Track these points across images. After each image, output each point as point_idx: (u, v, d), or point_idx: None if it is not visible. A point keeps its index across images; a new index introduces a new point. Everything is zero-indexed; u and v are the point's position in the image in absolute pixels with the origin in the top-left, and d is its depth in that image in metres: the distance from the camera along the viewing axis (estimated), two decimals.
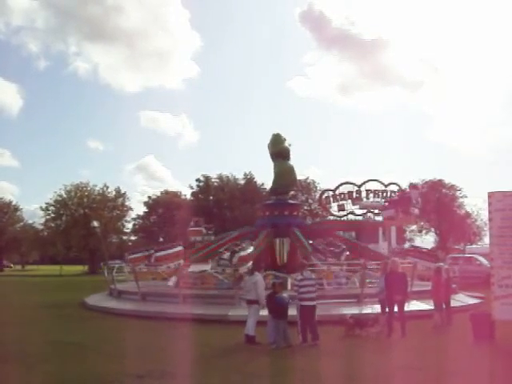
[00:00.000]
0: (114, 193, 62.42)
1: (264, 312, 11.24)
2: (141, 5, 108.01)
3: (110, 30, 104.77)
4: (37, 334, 12.62)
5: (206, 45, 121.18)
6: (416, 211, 24.87)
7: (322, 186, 60.50)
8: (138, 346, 10.85)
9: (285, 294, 11.21)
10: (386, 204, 23.53)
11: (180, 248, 20.26)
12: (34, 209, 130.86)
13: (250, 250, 18.62)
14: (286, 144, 23.16)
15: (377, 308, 13.33)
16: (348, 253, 19.74)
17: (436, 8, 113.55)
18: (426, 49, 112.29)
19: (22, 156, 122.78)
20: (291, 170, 22.80)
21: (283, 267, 18.99)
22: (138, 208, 71.26)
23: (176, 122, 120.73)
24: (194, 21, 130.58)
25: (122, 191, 63.37)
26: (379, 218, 28.08)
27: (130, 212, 65.05)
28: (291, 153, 23.22)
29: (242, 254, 17.95)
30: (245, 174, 64.16)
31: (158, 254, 19.55)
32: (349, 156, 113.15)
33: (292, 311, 11.25)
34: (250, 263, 17.80)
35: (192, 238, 25.86)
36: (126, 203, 63.41)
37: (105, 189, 61.84)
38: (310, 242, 21.09)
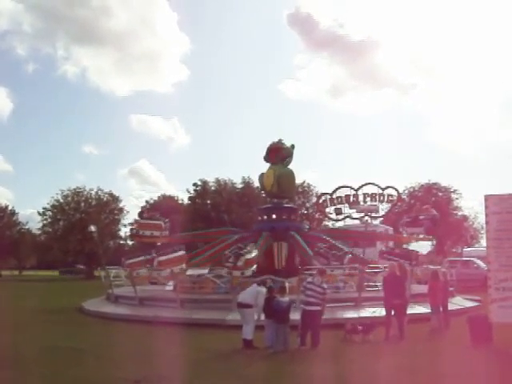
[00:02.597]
0: (107, 196, 62.29)
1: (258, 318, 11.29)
2: (129, 8, 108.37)
3: (99, 33, 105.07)
4: (34, 338, 12.57)
5: (195, 47, 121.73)
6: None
7: (317, 189, 60.66)
8: (135, 351, 10.84)
9: (285, 298, 11.18)
10: (408, 220, 23.54)
11: (183, 252, 20.05)
12: (29, 213, 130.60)
13: (255, 253, 18.54)
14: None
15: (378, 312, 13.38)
16: (351, 255, 19.71)
17: (426, 8, 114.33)
18: (419, 50, 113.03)
19: (15, 160, 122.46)
20: (282, 175, 22.75)
21: (281, 271, 18.98)
22: (133, 212, 71.20)
23: (167, 125, 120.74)
24: (182, 23, 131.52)
25: (116, 195, 63.37)
26: (376, 222, 28.19)
27: (127, 216, 64.89)
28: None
29: (248, 257, 17.82)
30: (243, 178, 64.16)
31: (161, 258, 19.29)
32: (343, 159, 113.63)
33: (295, 315, 11.26)
34: (255, 266, 17.81)
35: (147, 232, 22.40)
36: (121, 206, 63.34)
37: (99, 193, 61.81)
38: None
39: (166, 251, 20.11)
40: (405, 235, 23.86)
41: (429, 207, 24.63)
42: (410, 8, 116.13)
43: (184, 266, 19.34)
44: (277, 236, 21.20)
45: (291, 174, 23.25)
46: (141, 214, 24.23)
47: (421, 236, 23.57)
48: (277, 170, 22.61)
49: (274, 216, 22.54)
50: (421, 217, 23.17)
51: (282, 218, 22.31)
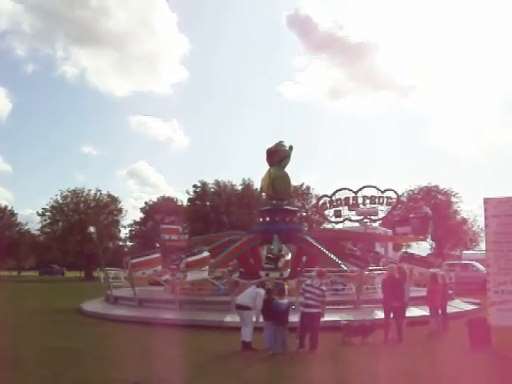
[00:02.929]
0: (106, 197, 62.36)
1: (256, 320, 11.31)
2: (128, 8, 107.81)
3: (98, 34, 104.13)
4: (33, 339, 12.56)
5: (194, 48, 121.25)
6: (430, 230, 24.72)
7: (316, 191, 60.84)
8: (134, 352, 10.84)
9: (284, 300, 11.20)
10: (398, 219, 23.40)
11: (158, 255, 20.25)
12: (28, 214, 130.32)
13: (203, 255, 18.71)
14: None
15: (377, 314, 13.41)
16: (385, 259, 19.59)
17: (426, 10, 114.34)
18: (418, 52, 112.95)
19: (14, 160, 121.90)
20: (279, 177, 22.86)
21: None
22: (133, 214, 71.23)
23: (166, 126, 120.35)
24: (181, 24, 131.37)
25: (115, 196, 63.52)
26: (375, 224, 28.15)
27: (126, 217, 64.98)
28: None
29: (190, 259, 18.04)
30: (243, 180, 64.32)
31: (134, 260, 19.48)
32: (343, 161, 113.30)
33: (295, 317, 11.29)
34: (207, 267, 17.97)
35: (167, 236, 24.71)
36: (120, 207, 63.45)
37: (98, 194, 61.84)
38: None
39: (142, 253, 20.44)
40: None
41: (422, 205, 24.48)
42: (409, 10, 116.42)
43: (160, 267, 19.82)
44: (268, 238, 21.23)
45: (285, 176, 23.28)
46: (162, 220, 26.05)
47: (411, 236, 23.39)
48: (272, 172, 22.76)
49: (267, 218, 22.69)
50: (411, 215, 23.10)
51: (277, 220, 22.41)
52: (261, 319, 11.21)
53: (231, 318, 13.93)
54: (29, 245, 72.31)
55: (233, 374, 8.89)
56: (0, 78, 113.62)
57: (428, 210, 23.57)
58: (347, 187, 25.30)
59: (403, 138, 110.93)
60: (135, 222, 69.37)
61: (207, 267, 18.71)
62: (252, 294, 11.39)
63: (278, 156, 22.88)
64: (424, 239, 24.79)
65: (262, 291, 11.44)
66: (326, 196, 26.12)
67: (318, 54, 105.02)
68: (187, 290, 18.92)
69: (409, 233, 23.22)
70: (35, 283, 46.30)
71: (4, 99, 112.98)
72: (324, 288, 11.55)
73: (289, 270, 17.39)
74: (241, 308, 11.39)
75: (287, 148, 23.25)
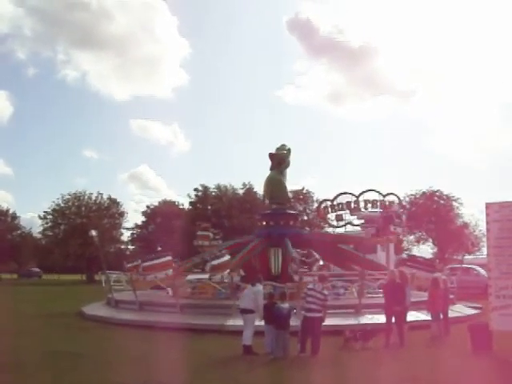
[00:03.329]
0: (108, 201, 62.43)
1: (260, 322, 11.28)
2: (129, 12, 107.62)
3: (99, 38, 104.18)
4: (34, 343, 12.56)
5: (195, 52, 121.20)
6: (399, 230, 24.38)
7: (317, 195, 60.94)
8: (135, 356, 10.84)
9: (285, 305, 11.19)
10: (368, 219, 23.57)
11: (168, 258, 20.28)
12: (29, 217, 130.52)
13: (226, 258, 18.69)
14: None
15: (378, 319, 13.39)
16: (322, 263, 19.62)
17: (426, 14, 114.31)
18: (419, 56, 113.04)
19: (15, 164, 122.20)
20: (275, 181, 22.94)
21: (277, 277, 19.00)
22: (134, 217, 71.26)
23: (167, 130, 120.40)
24: (182, 28, 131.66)
25: (116, 199, 63.64)
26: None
27: (127, 220, 65.09)
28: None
29: (214, 262, 18.03)
30: (243, 184, 64.34)
31: (146, 263, 19.53)
32: (344, 165, 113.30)
33: (296, 321, 11.27)
34: (227, 272, 17.93)
35: (200, 242, 26.52)
36: (122, 211, 63.59)
37: (99, 197, 61.91)
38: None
39: (151, 257, 20.76)
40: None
41: (394, 203, 24.13)
42: (410, 14, 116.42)
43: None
44: (273, 242, 21.24)
45: (278, 180, 23.37)
46: (198, 227, 28.61)
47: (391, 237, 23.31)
48: (268, 176, 22.91)
49: (264, 222, 22.78)
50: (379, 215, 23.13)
51: (271, 224, 22.45)
52: (262, 322, 11.20)
53: (233, 322, 13.93)
54: (31, 248, 72.37)
55: (233, 378, 8.88)
56: (1, 81, 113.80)
57: (397, 209, 23.37)
58: (349, 191, 25.28)
59: (404, 142, 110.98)
60: (137, 226, 69.54)
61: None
62: (250, 295, 11.38)
63: (276, 160, 23.01)
64: (392, 240, 24.55)
65: (259, 288, 11.42)
66: (327, 200, 26.10)
67: (319, 58, 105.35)
68: (188, 294, 18.91)
69: (374, 233, 23.34)
70: (36, 286, 46.24)
71: (5, 102, 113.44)
72: (326, 292, 11.53)
73: (226, 273, 17.61)
74: (244, 312, 11.39)
75: (284, 152, 23.34)
